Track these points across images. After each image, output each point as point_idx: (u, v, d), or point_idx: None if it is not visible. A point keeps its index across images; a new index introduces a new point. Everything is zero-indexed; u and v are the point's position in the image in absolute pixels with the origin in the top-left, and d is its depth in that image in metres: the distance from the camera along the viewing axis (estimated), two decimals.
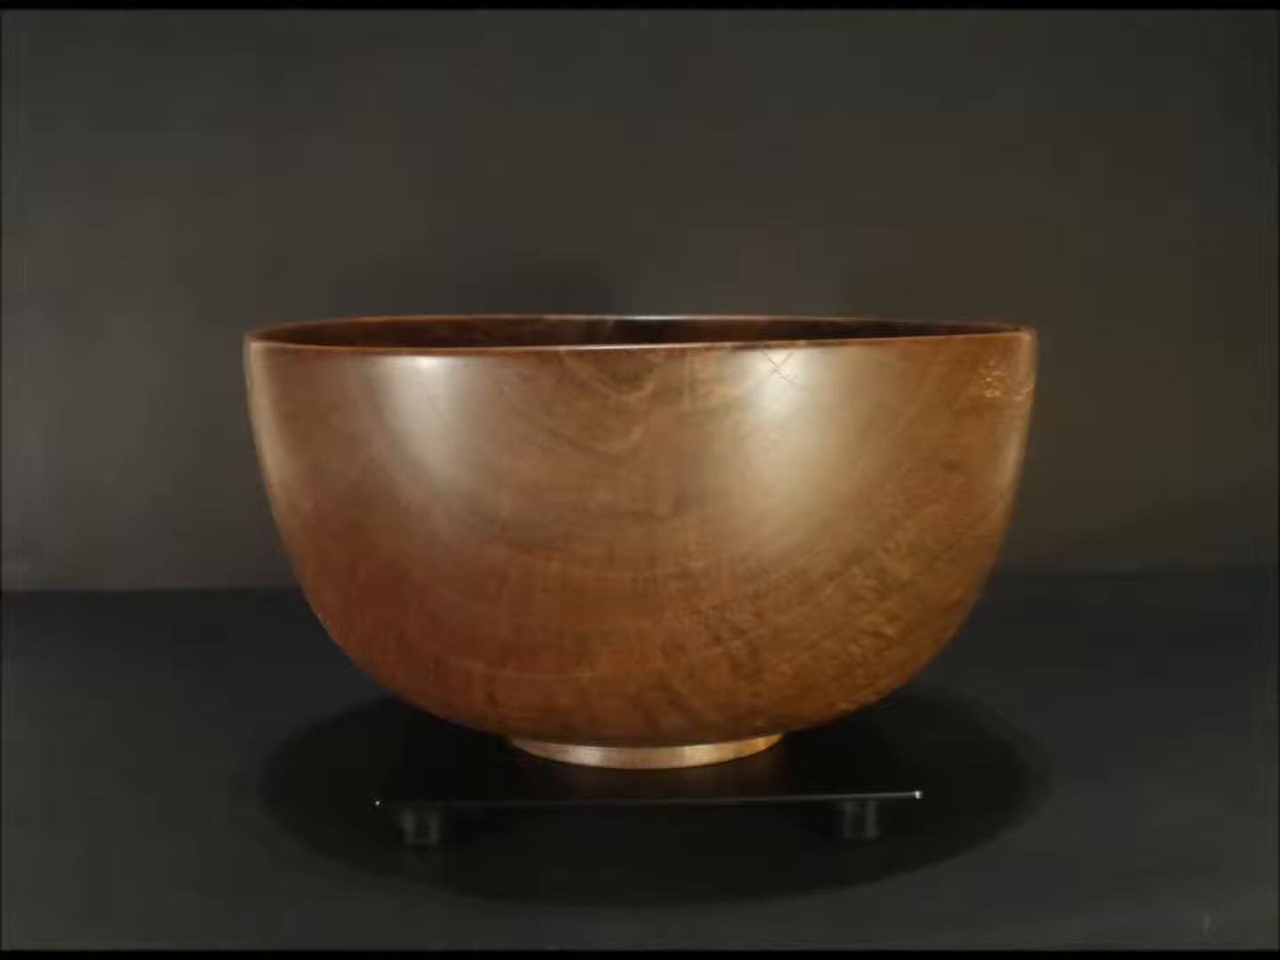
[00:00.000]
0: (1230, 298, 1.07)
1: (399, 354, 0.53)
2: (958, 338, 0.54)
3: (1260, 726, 0.72)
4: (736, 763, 0.61)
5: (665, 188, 1.04)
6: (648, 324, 0.78)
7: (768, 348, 0.51)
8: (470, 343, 0.74)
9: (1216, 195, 1.07)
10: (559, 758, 0.62)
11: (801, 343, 0.51)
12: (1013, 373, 0.56)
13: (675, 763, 0.61)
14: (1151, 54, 1.06)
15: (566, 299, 0.92)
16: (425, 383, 0.52)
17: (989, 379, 0.55)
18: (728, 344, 0.51)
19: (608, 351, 0.50)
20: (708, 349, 0.50)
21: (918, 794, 0.58)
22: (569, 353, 0.50)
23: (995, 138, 1.06)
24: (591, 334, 0.77)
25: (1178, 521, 1.07)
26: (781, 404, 0.51)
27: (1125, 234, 1.06)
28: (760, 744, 0.63)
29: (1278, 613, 0.92)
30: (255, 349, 0.58)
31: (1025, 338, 0.57)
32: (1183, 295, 1.07)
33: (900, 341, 0.53)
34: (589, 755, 0.61)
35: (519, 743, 0.63)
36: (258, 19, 1.00)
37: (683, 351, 0.50)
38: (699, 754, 0.61)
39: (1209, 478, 1.08)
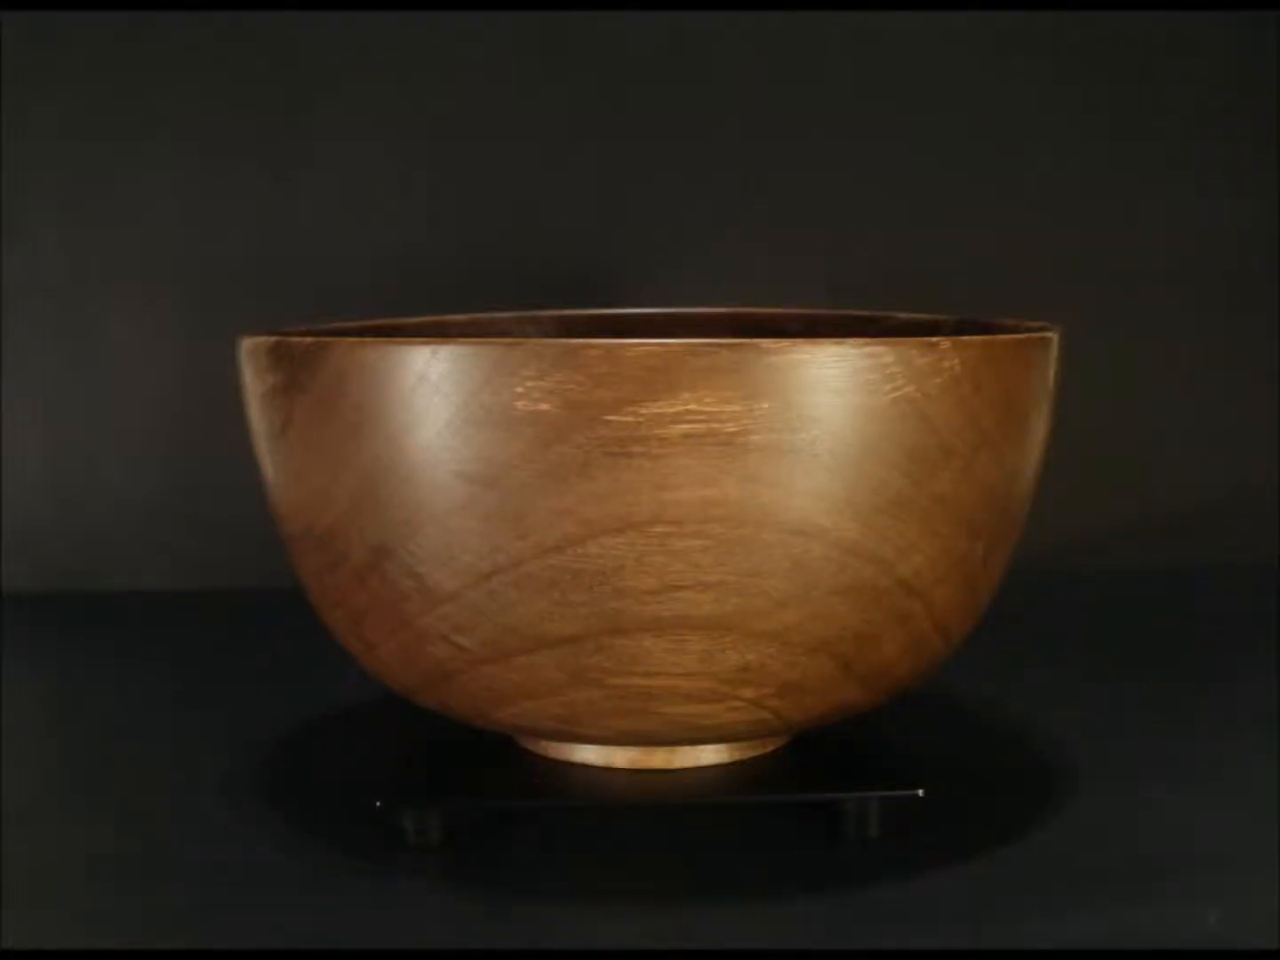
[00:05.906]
0: (1230, 298, 1.07)
1: (398, 351, 0.53)
2: (976, 339, 0.54)
3: (1260, 726, 0.72)
4: (738, 763, 0.61)
5: (665, 187, 1.04)
6: (639, 317, 0.78)
7: (757, 347, 0.51)
8: None
9: (1216, 195, 1.06)
10: (559, 757, 0.62)
11: (786, 343, 0.51)
12: (1012, 372, 0.56)
13: (676, 763, 0.61)
14: (1151, 54, 1.05)
15: (566, 299, 0.91)
16: (424, 379, 0.52)
17: (984, 379, 0.55)
18: (722, 343, 0.50)
19: (607, 348, 0.50)
20: (697, 348, 0.50)
21: (920, 792, 0.58)
22: (568, 349, 0.50)
23: (995, 138, 1.06)
24: (581, 331, 0.77)
25: (1178, 521, 1.06)
26: (777, 404, 0.51)
27: (1126, 234, 1.06)
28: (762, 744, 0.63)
29: (1278, 613, 0.92)
30: (252, 347, 0.58)
31: (1050, 337, 0.57)
32: (1183, 295, 1.07)
33: (894, 341, 0.52)
34: (590, 755, 0.61)
35: (519, 742, 0.63)
36: (258, 19, 1.00)
37: (670, 350, 0.50)
38: (700, 754, 0.61)
39: (1209, 478, 1.07)
